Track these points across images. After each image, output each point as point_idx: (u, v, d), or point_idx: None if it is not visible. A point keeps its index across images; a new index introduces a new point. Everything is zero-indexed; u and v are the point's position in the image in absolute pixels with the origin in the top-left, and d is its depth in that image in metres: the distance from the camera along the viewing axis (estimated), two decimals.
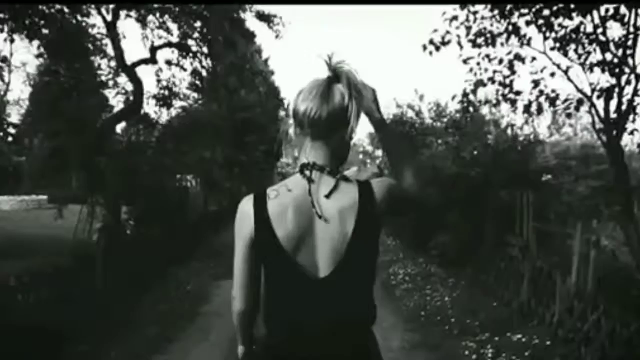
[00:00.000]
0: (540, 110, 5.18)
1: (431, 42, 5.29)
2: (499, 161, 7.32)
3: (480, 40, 5.71)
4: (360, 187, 1.31)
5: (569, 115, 4.91)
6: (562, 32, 5.58)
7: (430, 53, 5.30)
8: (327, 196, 1.27)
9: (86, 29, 8.36)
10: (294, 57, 78.86)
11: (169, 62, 10.48)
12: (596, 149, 18.81)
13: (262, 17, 10.44)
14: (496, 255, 7.02)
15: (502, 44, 5.81)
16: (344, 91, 1.32)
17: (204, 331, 5.48)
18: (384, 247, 10.98)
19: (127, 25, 11.43)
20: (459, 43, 5.33)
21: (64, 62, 10.39)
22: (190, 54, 10.13)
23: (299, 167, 1.34)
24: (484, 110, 13.69)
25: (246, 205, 1.31)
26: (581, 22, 5.14)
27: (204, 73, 10.63)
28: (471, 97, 5.27)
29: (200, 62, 10.32)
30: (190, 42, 10.06)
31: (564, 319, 4.95)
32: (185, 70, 10.76)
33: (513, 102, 5.31)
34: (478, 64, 5.36)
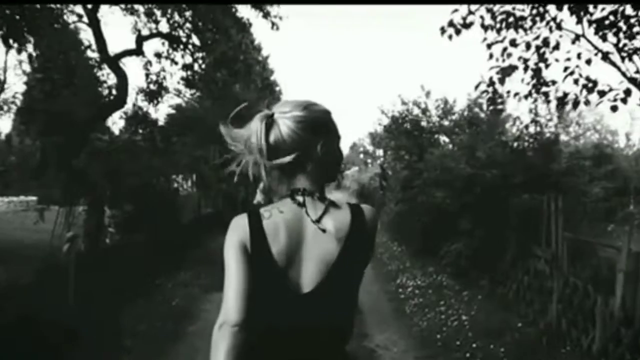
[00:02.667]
0: (577, 102, 4.45)
1: (451, 24, 4.55)
2: (520, 161, 6.59)
3: (503, 24, 4.99)
4: (352, 210, 1.35)
5: (614, 109, 4.18)
6: (599, 14, 4.86)
7: (450, 37, 4.57)
8: (318, 220, 1.32)
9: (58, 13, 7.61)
10: (296, 56, 78.18)
11: (158, 55, 9.74)
12: (605, 149, 18.18)
13: (258, 6, 9.68)
14: (517, 267, 6.30)
15: (525, 30, 5.09)
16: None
17: (188, 357, 4.76)
18: (389, 253, 10.24)
19: (114, 14, 10.57)
20: (483, 25, 4.60)
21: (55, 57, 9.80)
22: (181, 46, 9.39)
23: (290, 192, 1.36)
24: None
25: (241, 220, 1.33)
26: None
27: (195, 67, 9.89)
28: (498, 86, 4.51)
29: (192, 54, 9.57)
30: (181, 33, 9.31)
31: (607, 347, 4.23)
32: (176, 63, 10.02)
33: (545, 94, 4.58)
34: (505, 49, 4.62)
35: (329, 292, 1.28)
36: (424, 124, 12.98)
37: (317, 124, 1.35)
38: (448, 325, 5.44)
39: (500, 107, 4.76)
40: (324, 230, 1.30)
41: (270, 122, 1.33)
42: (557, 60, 4.47)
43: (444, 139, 12.75)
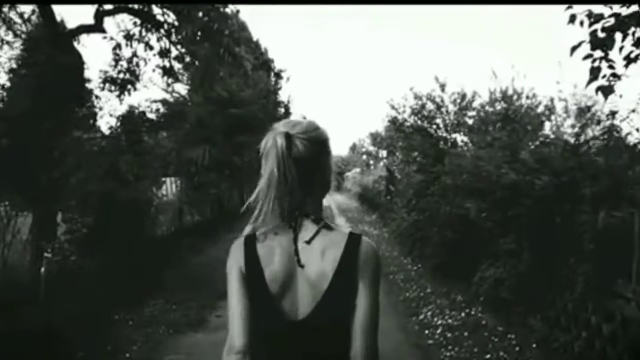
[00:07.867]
0: None
1: None
2: (587, 166, 5.03)
3: None
4: (349, 238, 1.33)
5: None
6: None
7: None
8: (309, 242, 1.31)
9: None
10: (294, 56, 76.91)
11: (128, 37, 8.17)
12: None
13: None
14: (587, 308, 4.71)
15: None
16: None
17: None
18: (403, 274, 8.64)
19: None
20: None
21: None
22: (155, 25, 7.82)
23: (285, 214, 1.34)
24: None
25: (238, 246, 1.36)
26: None
27: (174, 51, 8.33)
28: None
29: (169, 35, 7.99)
30: (155, 9, 7.74)
31: None
32: (151, 48, 8.45)
33: None
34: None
35: (323, 318, 1.27)
36: (439, 121, 11.44)
37: (326, 145, 1.40)
38: None
39: (611, 82, 3.16)
40: (316, 254, 1.30)
41: (289, 141, 1.32)
42: None
43: (462, 138, 11.20)
